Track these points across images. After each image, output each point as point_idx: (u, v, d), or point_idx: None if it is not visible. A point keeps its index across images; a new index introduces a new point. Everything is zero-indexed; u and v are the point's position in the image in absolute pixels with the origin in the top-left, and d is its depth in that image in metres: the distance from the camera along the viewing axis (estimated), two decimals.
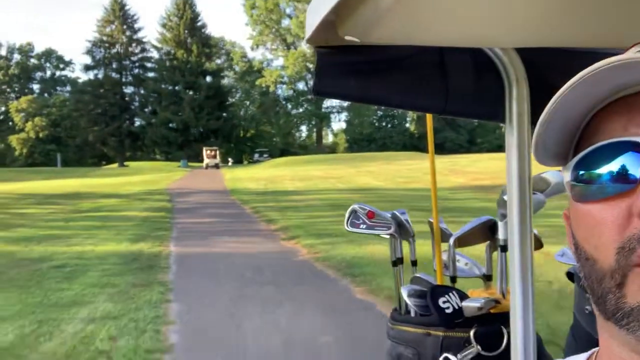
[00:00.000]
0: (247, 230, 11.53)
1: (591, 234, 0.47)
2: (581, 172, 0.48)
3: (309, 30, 0.94)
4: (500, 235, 1.80)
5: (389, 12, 0.74)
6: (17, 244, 10.00)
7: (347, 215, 1.98)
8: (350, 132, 78.04)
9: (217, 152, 51.06)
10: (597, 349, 0.56)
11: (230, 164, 62.83)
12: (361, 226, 1.95)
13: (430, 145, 2.06)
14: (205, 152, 50.58)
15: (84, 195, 20.91)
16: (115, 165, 64.38)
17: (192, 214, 14.91)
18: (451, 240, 1.93)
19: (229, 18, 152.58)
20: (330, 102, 69.82)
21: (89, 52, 65.78)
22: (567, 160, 0.51)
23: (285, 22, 66.47)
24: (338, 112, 71.59)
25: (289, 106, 66.97)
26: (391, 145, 75.71)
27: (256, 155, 65.15)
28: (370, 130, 78.96)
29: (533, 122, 1.08)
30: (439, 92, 1.17)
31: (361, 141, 78.69)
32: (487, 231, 1.92)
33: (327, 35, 0.93)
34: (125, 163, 64.40)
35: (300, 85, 66.26)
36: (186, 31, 63.81)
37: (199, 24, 65.72)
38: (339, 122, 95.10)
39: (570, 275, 1.99)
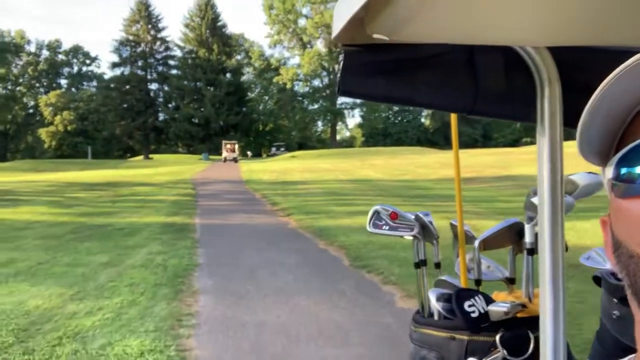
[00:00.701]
0: (254, 210, 14.75)
1: (635, 230, 0.45)
2: (623, 170, 0.47)
3: (336, 28, 0.93)
4: (527, 238, 1.78)
5: (419, 9, 0.73)
6: (81, 217, 13.32)
7: (369, 216, 1.94)
8: (366, 127, 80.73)
9: (236, 146, 51.84)
10: (633, 355, 0.54)
11: (249, 157, 66.27)
12: (384, 227, 1.92)
13: (455, 148, 2.02)
14: (225, 146, 51.27)
15: (120, 183, 24.35)
16: (141, 157, 68.18)
17: (212, 199, 18.20)
18: (476, 243, 1.90)
19: (249, 15, 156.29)
20: (344, 99, 72.90)
21: (116, 50, 69.63)
22: (608, 160, 0.50)
23: (302, 22, 69.71)
24: (351, 109, 74.42)
25: (305, 102, 70.10)
26: (406, 140, 78.02)
27: (273, 149, 68.11)
28: (385, 125, 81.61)
29: (565, 123, 1.09)
30: (468, 92, 1.16)
31: (377, 135, 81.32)
32: (514, 234, 1.89)
33: (355, 33, 0.92)
34: (150, 156, 68.26)
35: (316, 82, 69.53)
36: (207, 31, 67.27)
37: (219, 23, 69.19)
38: (352, 118, 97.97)
39: (597, 280, 1.91)
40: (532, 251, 1.77)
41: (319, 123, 77.01)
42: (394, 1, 0.74)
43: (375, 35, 0.89)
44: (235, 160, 48.39)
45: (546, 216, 1.12)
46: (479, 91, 1.16)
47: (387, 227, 1.92)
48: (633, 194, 0.46)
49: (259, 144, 77.14)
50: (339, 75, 1.07)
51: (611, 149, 0.51)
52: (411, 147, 58.35)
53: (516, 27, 0.88)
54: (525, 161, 28.27)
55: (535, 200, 1.27)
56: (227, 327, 4.90)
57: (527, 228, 1.78)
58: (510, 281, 1.95)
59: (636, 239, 0.45)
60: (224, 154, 50.31)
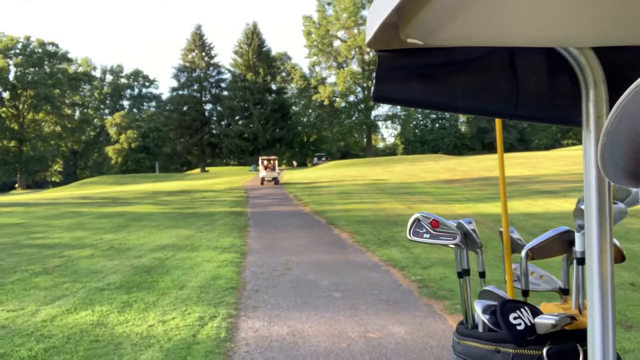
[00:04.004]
0: (285, 204, 22.46)
1: None
2: None
3: (369, 33, 0.91)
4: (578, 247, 1.73)
5: (455, 12, 0.71)
6: (176, 210, 21.24)
7: (409, 224, 1.89)
8: (403, 136, 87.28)
9: (276, 162, 38.82)
10: None
11: (294, 166, 74.41)
12: (424, 235, 1.87)
13: (500, 152, 2.00)
14: (262, 163, 38.13)
15: (191, 191, 32.55)
16: (198, 170, 77.41)
17: (259, 198, 26.02)
18: (523, 252, 1.86)
19: (293, 36, 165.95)
20: (377, 112, 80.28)
21: (175, 76, 79.26)
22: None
23: (337, 43, 77.55)
24: (384, 120, 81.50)
25: (342, 116, 77.67)
26: (443, 146, 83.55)
27: (315, 159, 75.80)
28: (422, 133, 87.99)
29: None
30: (508, 96, 1.13)
31: (414, 143, 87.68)
32: (565, 243, 1.85)
33: (389, 38, 0.91)
34: (206, 168, 77.41)
35: (351, 98, 77.14)
36: (254, 56, 75.93)
37: (264, 49, 77.80)
38: (392, 128, 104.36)
39: None
40: (583, 260, 1.67)
41: (356, 135, 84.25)
42: (429, 4, 0.72)
43: (410, 40, 0.88)
44: (275, 181, 36.25)
45: (594, 223, 1.08)
46: (521, 95, 1.14)
47: (428, 236, 1.86)
48: None
49: (303, 154, 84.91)
50: (373, 81, 1.05)
51: None
52: (431, 155, 64.79)
53: (559, 28, 0.84)
54: (514, 165, 34.90)
55: (584, 206, 1.19)
56: (262, 238, 12.50)
57: (578, 236, 1.72)
58: (564, 292, 1.90)
59: None
60: (261, 173, 37.18)
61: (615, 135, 0.45)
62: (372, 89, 1.06)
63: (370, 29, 0.91)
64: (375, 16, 0.86)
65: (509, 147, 74.58)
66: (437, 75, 1.11)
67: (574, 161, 35.10)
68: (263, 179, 36.41)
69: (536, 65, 1.13)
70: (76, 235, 13.41)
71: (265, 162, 37.38)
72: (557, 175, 27.45)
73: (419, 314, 5.79)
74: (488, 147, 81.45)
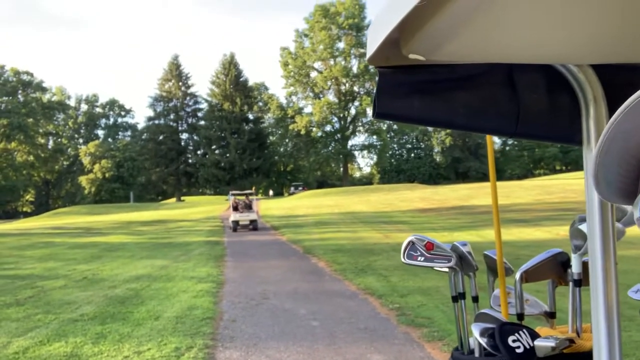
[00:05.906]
0: (261, 233, 22.38)
1: None
2: None
3: (370, 50, 0.91)
4: (575, 268, 1.68)
5: (457, 28, 0.71)
6: (151, 240, 21.02)
7: (403, 246, 1.86)
8: (379, 165, 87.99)
9: (254, 197, 29.92)
10: None
11: (271, 195, 74.30)
12: (419, 258, 1.84)
13: (492, 178, 2.00)
14: (232, 199, 27.02)
15: (167, 220, 32.23)
16: (173, 200, 76.75)
17: None
18: (517, 275, 1.82)
19: (270, 66, 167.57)
20: (353, 141, 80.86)
21: (151, 105, 78.99)
22: (634, 199, 0.47)
23: (314, 74, 78.31)
24: (361, 150, 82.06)
25: (319, 146, 78.01)
26: (418, 176, 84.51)
27: (292, 189, 75.69)
28: (398, 163, 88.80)
29: None
30: (509, 113, 1.13)
31: (391, 172, 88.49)
32: (558, 265, 1.80)
33: (390, 54, 0.91)
34: (182, 198, 76.79)
35: (328, 128, 77.69)
36: (231, 86, 76.15)
37: (242, 79, 78.14)
38: (362, 159, 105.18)
39: None
40: (579, 282, 1.65)
41: (332, 164, 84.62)
42: (432, 21, 0.72)
43: (412, 56, 0.88)
44: (254, 225, 24.30)
45: (597, 245, 1.06)
46: (521, 112, 1.13)
47: (423, 258, 1.82)
48: None
49: (280, 183, 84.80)
50: (374, 97, 1.05)
51: (637, 188, 0.48)
52: (406, 184, 65.25)
53: (558, 44, 0.84)
54: (488, 194, 35.20)
55: (582, 227, 1.20)
56: (238, 267, 12.41)
57: (574, 258, 1.66)
58: (550, 316, 1.84)
59: None
60: (233, 215, 24.50)
61: (608, 154, 0.45)
62: (373, 105, 1.04)
63: (372, 46, 0.91)
64: (377, 33, 0.86)
65: (482, 177, 75.47)
66: (437, 91, 1.11)
67: (546, 190, 35.67)
68: (236, 224, 24.18)
69: (536, 82, 1.13)
70: (49, 266, 13.15)
71: (238, 197, 26.61)
72: (530, 204, 27.83)
73: (397, 342, 5.79)
74: (462, 177, 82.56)
